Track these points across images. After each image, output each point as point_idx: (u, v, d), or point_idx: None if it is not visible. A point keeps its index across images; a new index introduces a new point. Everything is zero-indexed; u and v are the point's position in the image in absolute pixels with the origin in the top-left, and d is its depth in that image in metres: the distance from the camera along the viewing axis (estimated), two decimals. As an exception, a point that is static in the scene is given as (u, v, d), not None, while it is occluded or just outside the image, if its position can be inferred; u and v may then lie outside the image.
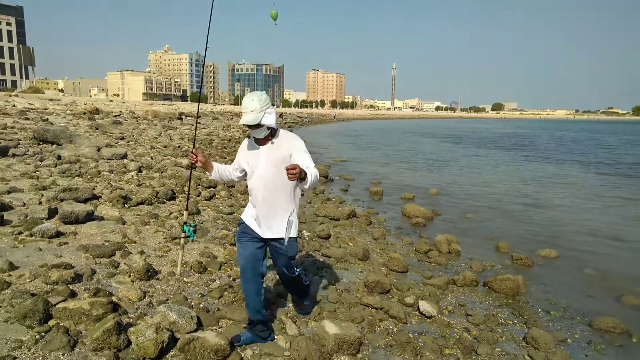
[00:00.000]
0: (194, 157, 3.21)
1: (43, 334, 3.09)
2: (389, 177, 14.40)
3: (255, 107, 2.91)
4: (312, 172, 2.99)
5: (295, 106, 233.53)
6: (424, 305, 4.21)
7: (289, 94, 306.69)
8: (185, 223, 3.63)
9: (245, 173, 3.27)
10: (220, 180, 3.39)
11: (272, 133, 3.12)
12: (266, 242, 3.23)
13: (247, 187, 3.26)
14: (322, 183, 11.58)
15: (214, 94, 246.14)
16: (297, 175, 2.74)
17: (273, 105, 4.14)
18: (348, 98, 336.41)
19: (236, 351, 3.14)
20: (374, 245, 6.46)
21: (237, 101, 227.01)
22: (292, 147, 3.11)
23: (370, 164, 18.06)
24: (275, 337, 3.45)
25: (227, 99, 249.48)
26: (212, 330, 3.37)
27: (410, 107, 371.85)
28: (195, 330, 3.28)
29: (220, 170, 3.39)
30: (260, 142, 3.14)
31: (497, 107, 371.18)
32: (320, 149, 23.82)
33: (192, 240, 3.71)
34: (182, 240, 3.74)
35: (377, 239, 6.73)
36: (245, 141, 3.31)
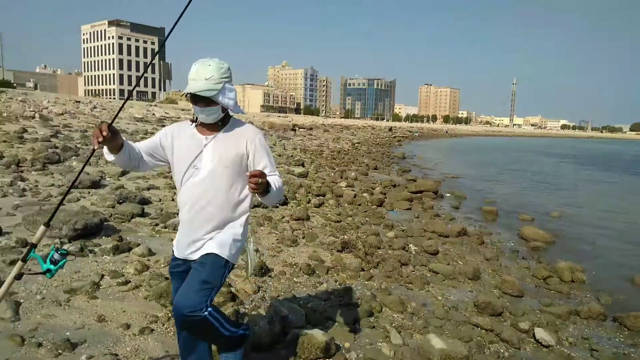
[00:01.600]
0: (99, 133, 1.96)
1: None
2: (505, 197, 13.55)
3: (211, 75, 2.08)
4: (276, 183, 2.18)
5: (405, 120, 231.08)
6: (541, 333, 3.90)
7: (400, 108, 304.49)
8: (56, 249, 2.06)
9: (159, 163, 2.36)
10: (124, 165, 2.25)
11: (225, 119, 2.26)
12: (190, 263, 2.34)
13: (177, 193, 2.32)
14: (431, 199, 11.31)
15: (325, 107, 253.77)
16: (261, 186, 1.99)
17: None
18: (462, 113, 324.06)
19: (341, 352, 3.22)
20: (486, 265, 6.14)
21: (348, 114, 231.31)
22: (251, 143, 2.23)
23: (484, 182, 17.19)
24: (380, 344, 3.47)
25: (337, 112, 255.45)
26: (318, 328, 3.49)
27: (532, 125, 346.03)
28: (303, 327, 3.43)
29: (130, 150, 2.22)
30: (206, 129, 2.25)
31: (636, 127, 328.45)
32: (431, 163, 23.26)
33: (50, 277, 2.02)
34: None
35: (489, 260, 6.39)
36: (181, 124, 2.35)
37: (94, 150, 2.05)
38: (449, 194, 12.67)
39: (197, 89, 2.07)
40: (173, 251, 2.43)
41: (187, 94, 2.14)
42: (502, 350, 3.69)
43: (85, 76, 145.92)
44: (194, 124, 2.29)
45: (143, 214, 6.33)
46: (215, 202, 2.24)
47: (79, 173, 2.35)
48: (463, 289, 5.10)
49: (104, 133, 1.95)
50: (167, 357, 2.96)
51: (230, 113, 2.27)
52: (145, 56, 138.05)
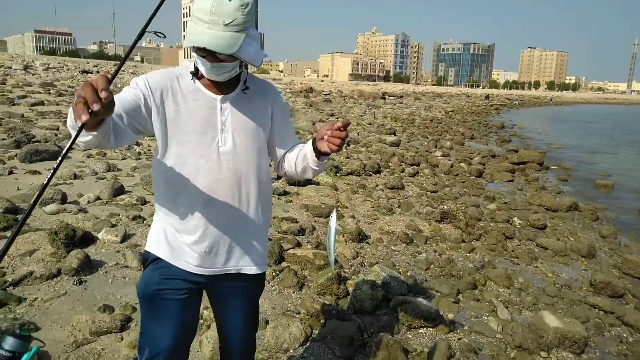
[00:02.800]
0: (95, 97, 1.06)
1: (278, 272, 3.62)
2: (621, 170, 12.19)
3: (233, 19, 1.33)
4: None
5: (504, 87, 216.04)
6: (674, 321, 3.47)
7: (498, 74, 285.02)
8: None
9: (139, 135, 1.49)
10: (94, 145, 1.31)
11: (240, 75, 1.57)
12: (210, 283, 1.63)
13: (170, 174, 1.52)
14: (535, 170, 10.51)
15: (416, 74, 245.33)
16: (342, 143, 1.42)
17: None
18: (570, 79, 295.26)
19: (445, 322, 3.13)
20: (602, 243, 5.59)
21: (440, 81, 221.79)
22: (275, 105, 1.65)
23: (595, 154, 15.59)
24: (486, 318, 3.33)
25: (429, 80, 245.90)
26: (421, 297, 3.42)
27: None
28: (406, 295, 3.39)
29: (112, 122, 1.36)
30: (218, 88, 1.53)
31: None
32: (533, 133, 21.57)
33: None
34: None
35: (605, 237, 5.81)
36: (169, 72, 1.54)
37: (82, 126, 1.12)
38: (555, 166, 11.69)
39: (214, 43, 1.33)
40: (158, 261, 1.57)
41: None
42: (625, 335, 3.36)
43: (185, 49, 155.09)
44: (194, 77, 1.53)
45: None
46: (248, 187, 1.57)
47: (59, 163, 1.25)
48: (576, 267, 4.70)
49: (104, 95, 1.06)
50: None
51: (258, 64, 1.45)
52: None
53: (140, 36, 1.49)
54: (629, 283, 4.39)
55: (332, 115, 19.03)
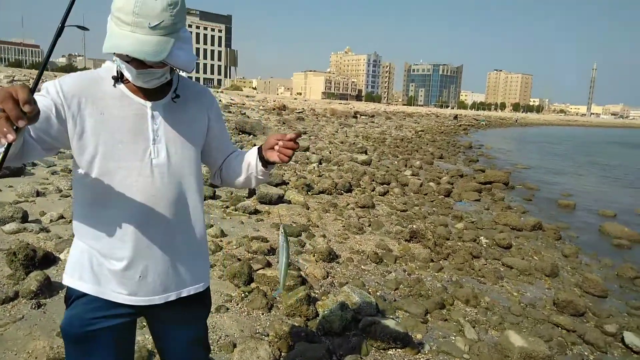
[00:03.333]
0: (18, 113, 0.94)
1: (247, 293, 3.58)
2: (582, 190, 12.67)
3: (161, 20, 1.18)
4: None
5: (472, 108, 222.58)
6: (631, 338, 3.60)
7: (466, 95, 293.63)
8: None
9: (52, 148, 1.30)
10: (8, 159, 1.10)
11: (173, 78, 1.41)
12: (148, 312, 1.46)
13: (95, 188, 1.34)
14: (501, 190, 10.81)
15: (387, 93, 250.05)
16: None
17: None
18: (534, 101, 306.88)
19: (414, 343, 3.15)
20: (564, 262, 5.77)
21: (411, 101, 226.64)
22: (211, 111, 1.52)
23: (558, 174, 16.17)
24: (454, 337, 3.37)
25: (400, 99, 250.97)
26: (390, 317, 3.44)
27: (612, 114, 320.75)
28: (375, 315, 3.39)
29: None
30: (147, 92, 1.36)
31: None
32: (500, 153, 22.23)
33: None
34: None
35: (567, 257, 6.00)
36: (83, 77, 1.35)
37: (8, 146, 1.03)
38: (520, 186, 12.05)
39: (139, 50, 1.16)
40: (84, 297, 1.38)
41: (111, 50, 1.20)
42: (586, 353, 3.46)
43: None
44: (117, 81, 1.34)
45: (214, 197, 6.55)
46: (186, 201, 1.43)
47: None
48: (540, 286, 4.83)
49: (28, 109, 0.95)
50: None
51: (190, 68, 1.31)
52: (212, 44, 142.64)
53: (60, 31, 1.24)
54: (590, 301, 4.54)
55: (305, 133, 19.12)
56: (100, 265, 1.36)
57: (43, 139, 1.25)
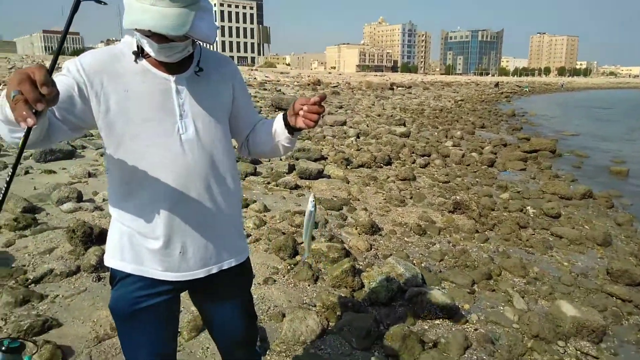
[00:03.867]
0: (37, 95, 0.92)
1: (293, 265, 3.65)
2: (636, 156, 12.01)
3: None
4: None
5: (513, 75, 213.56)
6: (693, 308, 3.44)
7: (507, 61, 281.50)
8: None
9: (77, 130, 1.29)
10: (30, 145, 1.09)
11: (194, 51, 1.37)
12: (191, 286, 1.48)
13: (121, 174, 1.34)
14: (548, 158, 10.41)
15: (424, 63, 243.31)
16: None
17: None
18: (581, 64, 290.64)
19: (461, 313, 3.14)
20: (618, 231, 5.53)
21: (449, 70, 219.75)
22: (235, 80, 1.49)
23: (608, 140, 15.37)
24: (502, 308, 3.33)
25: (437, 69, 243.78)
26: (436, 288, 3.42)
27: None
28: (421, 286, 3.39)
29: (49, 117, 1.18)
30: (169, 66, 1.32)
31: None
32: (545, 120, 21.32)
33: None
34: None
35: (621, 225, 5.75)
36: (103, 53, 1.31)
37: (28, 130, 1.01)
38: (568, 153, 11.56)
39: (161, 25, 1.13)
40: (127, 277, 1.38)
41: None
42: (644, 324, 3.34)
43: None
44: (138, 57, 1.30)
45: (255, 173, 6.65)
46: (218, 175, 1.40)
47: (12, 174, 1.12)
48: (592, 256, 4.66)
49: (46, 91, 0.93)
50: None
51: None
52: (245, 21, 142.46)
53: (76, 6, 1.22)
54: (647, 270, 4.34)
55: (341, 107, 18.97)
56: (140, 244, 1.35)
57: (68, 119, 1.23)
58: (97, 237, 3.68)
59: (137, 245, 1.35)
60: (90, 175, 5.75)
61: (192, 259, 1.38)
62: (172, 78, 1.32)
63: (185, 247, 1.36)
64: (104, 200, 4.84)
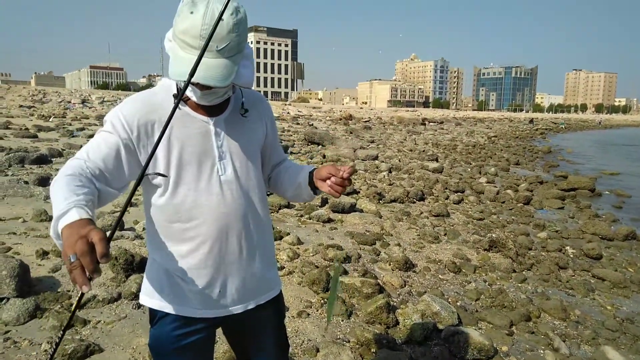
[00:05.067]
0: (93, 267, 0.92)
1: (326, 299, 3.65)
2: (682, 197, 11.49)
3: (232, 41, 1.17)
4: None
5: (548, 111, 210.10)
6: None
7: (542, 97, 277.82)
8: None
9: (125, 184, 1.33)
10: None
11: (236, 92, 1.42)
12: (225, 322, 1.49)
13: (170, 214, 1.35)
14: (587, 197, 10.10)
15: (456, 99, 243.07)
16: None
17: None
18: (619, 101, 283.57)
19: (499, 355, 3.05)
20: (666, 275, 5.28)
21: (481, 106, 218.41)
22: (268, 119, 1.52)
23: (651, 179, 14.80)
24: (542, 351, 3.21)
25: (469, 104, 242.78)
26: (472, 328, 3.35)
27: None
28: (457, 325, 3.32)
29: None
30: (207, 108, 1.34)
31: None
32: (583, 158, 20.78)
33: None
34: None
35: (669, 269, 5.48)
36: (141, 100, 1.32)
37: (81, 295, 1.00)
38: (608, 192, 11.18)
39: (208, 76, 1.16)
40: (167, 316, 1.39)
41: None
42: (697, 375, 3.14)
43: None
44: (180, 102, 1.25)
45: (289, 206, 6.74)
46: (255, 213, 1.43)
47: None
48: (638, 300, 4.45)
49: (104, 262, 0.93)
50: None
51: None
52: (279, 58, 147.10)
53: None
54: (698, 318, 4.11)
55: (373, 142, 19.10)
56: (179, 285, 1.36)
57: (119, 183, 1.28)
58: (137, 265, 3.80)
59: (176, 286, 1.37)
60: (131, 204, 5.97)
61: (230, 297, 1.40)
62: (211, 121, 1.34)
63: (224, 285, 1.38)
64: (143, 229, 5.01)
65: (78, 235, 0.93)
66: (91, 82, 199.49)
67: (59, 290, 3.41)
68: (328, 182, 1.36)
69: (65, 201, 1.03)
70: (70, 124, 15.47)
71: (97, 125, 16.35)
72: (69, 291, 3.39)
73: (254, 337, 1.54)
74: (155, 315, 1.41)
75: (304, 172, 1.47)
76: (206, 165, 1.33)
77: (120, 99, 35.61)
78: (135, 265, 3.77)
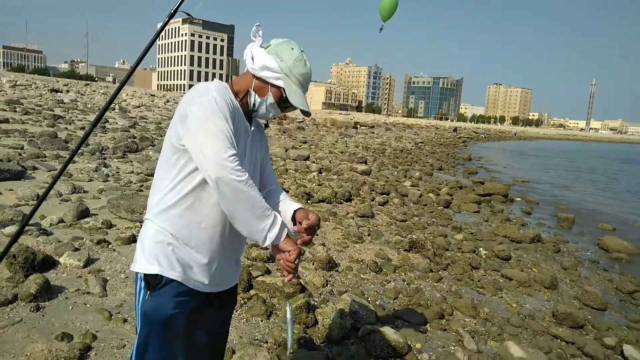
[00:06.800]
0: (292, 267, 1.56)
1: (246, 300, 3.57)
2: (582, 204, 12.70)
3: None
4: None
5: (471, 121, 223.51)
6: (631, 351, 3.59)
7: (466, 108, 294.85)
8: None
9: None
10: None
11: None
12: (208, 300, 1.66)
13: (195, 196, 1.56)
14: (500, 202, 10.82)
15: (387, 105, 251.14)
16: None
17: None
18: (533, 115, 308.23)
19: (412, 352, 3.14)
20: (563, 275, 5.77)
21: (410, 113, 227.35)
22: (265, 139, 1.84)
23: (557, 188, 16.20)
24: (453, 348, 3.36)
25: (400, 111, 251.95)
26: (389, 327, 3.43)
27: (611, 129, 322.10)
28: (374, 324, 3.39)
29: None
30: (248, 119, 1.67)
31: None
32: (499, 166, 22.29)
33: None
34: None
35: (567, 269, 6.00)
36: (224, 94, 1.53)
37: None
38: (519, 198, 12.07)
39: (307, 106, 1.64)
40: (170, 283, 1.53)
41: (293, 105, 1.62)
42: (585, 366, 3.45)
43: (158, 71, 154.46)
44: (253, 112, 1.66)
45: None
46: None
47: None
48: (539, 298, 4.82)
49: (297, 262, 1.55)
50: None
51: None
52: (214, 53, 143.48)
53: (171, 15, 1.70)
54: (589, 314, 4.53)
55: (305, 142, 19.17)
56: (187, 256, 1.56)
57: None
58: (40, 263, 3.49)
59: (185, 257, 1.55)
60: (39, 197, 5.49)
61: (219, 276, 1.64)
62: (250, 128, 1.65)
63: (220, 266, 1.62)
64: (51, 224, 4.62)
65: (297, 247, 1.59)
66: (4, 63, 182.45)
67: (-59, 291, 3.03)
68: (280, 261, 1.58)
69: None
70: (-27, 109, 13.98)
71: (6, 110, 14.90)
72: (-46, 292, 3.02)
73: (218, 318, 1.74)
74: (159, 282, 1.52)
75: (289, 210, 1.69)
76: (240, 157, 1.53)
77: (35, 83, 32.83)
78: (36, 264, 3.46)
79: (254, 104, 1.61)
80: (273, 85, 1.59)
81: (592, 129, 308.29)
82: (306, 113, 1.66)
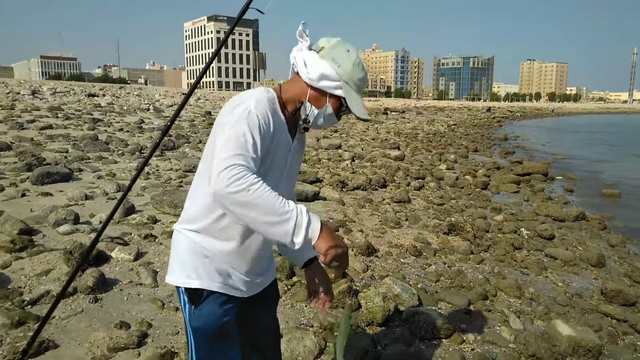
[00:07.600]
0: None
1: (290, 286, 3.66)
2: (628, 179, 12.19)
3: None
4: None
5: (505, 100, 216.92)
6: (687, 327, 3.47)
7: (499, 86, 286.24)
8: None
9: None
10: None
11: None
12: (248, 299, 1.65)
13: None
14: (540, 181, 10.53)
15: (417, 89, 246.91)
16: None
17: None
18: (570, 90, 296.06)
19: (458, 333, 3.15)
20: (611, 252, 5.59)
21: (441, 95, 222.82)
22: (305, 147, 1.80)
23: (599, 164, 15.60)
24: (498, 328, 3.34)
25: (430, 94, 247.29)
26: (432, 308, 3.44)
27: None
28: (417, 306, 3.41)
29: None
30: (291, 132, 1.54)
31: None
32: (537, 144, 21.63)
33: None
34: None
35: (614, 246, 5.81)
36: (267, 104, 1.41)
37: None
38: (560, 177, 11.71)
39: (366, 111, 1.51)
40: (212, 295, 1.51)
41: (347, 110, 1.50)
42: (639, 343, 3.36)
43: (188, 70, 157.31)
44: (305, 122, 1.52)
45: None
46: None
47: None
48: (586, 276, 4.70)
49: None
50: None
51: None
52: (240, 48, 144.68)
53: (243, 12, 1.57)
54: (640, 291, 4.38)
55: (336, 131, 19.17)
56: (223, 267, 1.51)
57: None
58: (94, 258, 3.68)
59: (220, 267, 1.50)
60: (87, 197, 5.76)
61: (258, 278, 1.61)
62: (292, 142, 1.54)
63: (258, 272, 1.60)
64: (100, 222, 4.84)
65: (347, 253, 1.39)
66: (42, 72, 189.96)
67: (9, 287, 3.26)
68: (319, 292, 1.66)
69: None
70: (20, 116, 14.65)
71: (49, 117, 15.59)
72: (20, 287, 3.25)
73: (262, 312, 1.72)
74: (201, 295, 1.49)
75: (306, 254, 1.67)
76: (276, 175, 1.49)
77: (73, 89, 34.08)
78: (91, 259, 3.65)
79: (308, 116, 1.48)
80: (332, 96, 1.44)
81: (635, 100, 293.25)
82: (366, 120, 1.56)
